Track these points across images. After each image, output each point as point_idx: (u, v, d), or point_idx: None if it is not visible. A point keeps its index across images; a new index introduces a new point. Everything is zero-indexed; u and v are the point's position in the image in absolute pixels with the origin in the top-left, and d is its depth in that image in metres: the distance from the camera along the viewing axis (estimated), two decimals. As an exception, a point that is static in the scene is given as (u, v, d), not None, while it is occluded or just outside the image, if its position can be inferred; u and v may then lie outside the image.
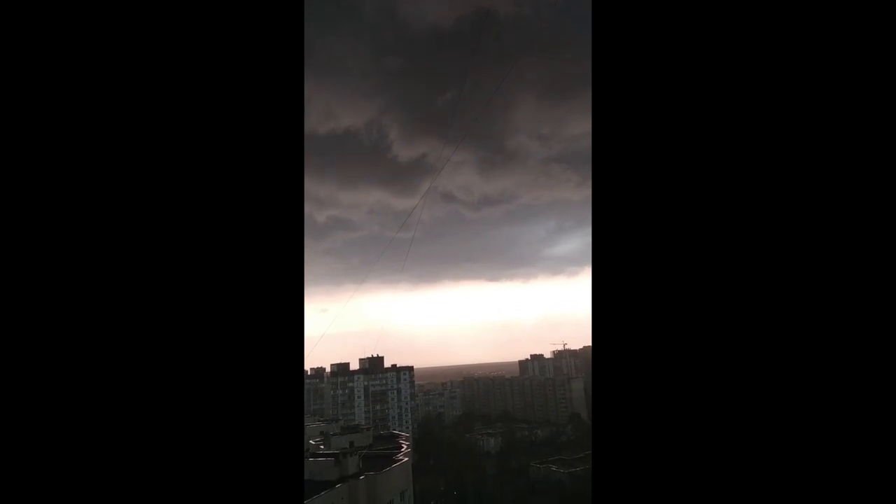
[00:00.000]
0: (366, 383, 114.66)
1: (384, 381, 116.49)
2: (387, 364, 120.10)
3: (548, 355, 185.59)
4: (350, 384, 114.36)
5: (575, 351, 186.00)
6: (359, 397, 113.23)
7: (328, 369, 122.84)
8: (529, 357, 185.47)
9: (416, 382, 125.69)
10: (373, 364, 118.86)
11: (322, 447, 41.84)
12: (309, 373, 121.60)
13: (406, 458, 38.71)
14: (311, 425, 55.43)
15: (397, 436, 53.69)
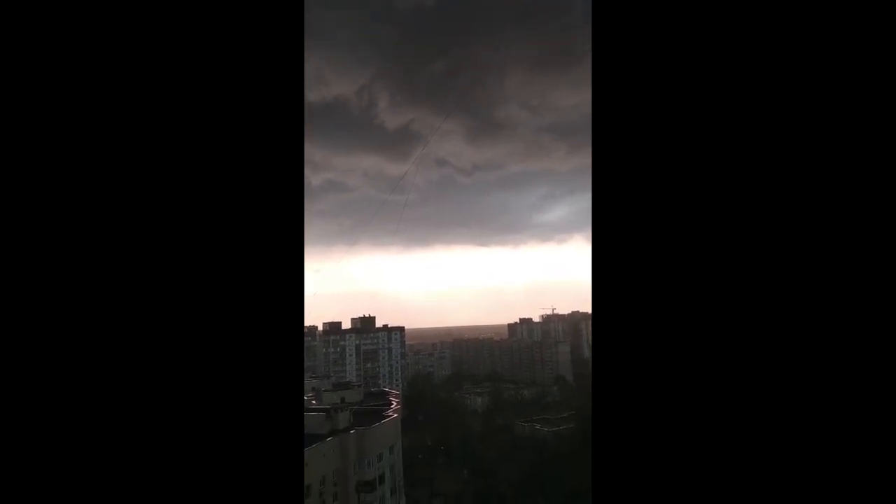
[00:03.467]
0: (357, 342, 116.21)
1: (375, 341, 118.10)
2: (378, 324, 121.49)
3: (537, 319, 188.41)
4: (342, 343, 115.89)
5: (563, 316, 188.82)
6: (350, 355, 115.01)
7: (320, 328, 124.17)
8: (518, 320, 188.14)
9: (406, 342, 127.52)
10: (364, 324, 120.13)
11: (314, 402, 42.84)
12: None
13: (395, 415, 39.82)
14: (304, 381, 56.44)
15: (387, 393, 54.93)
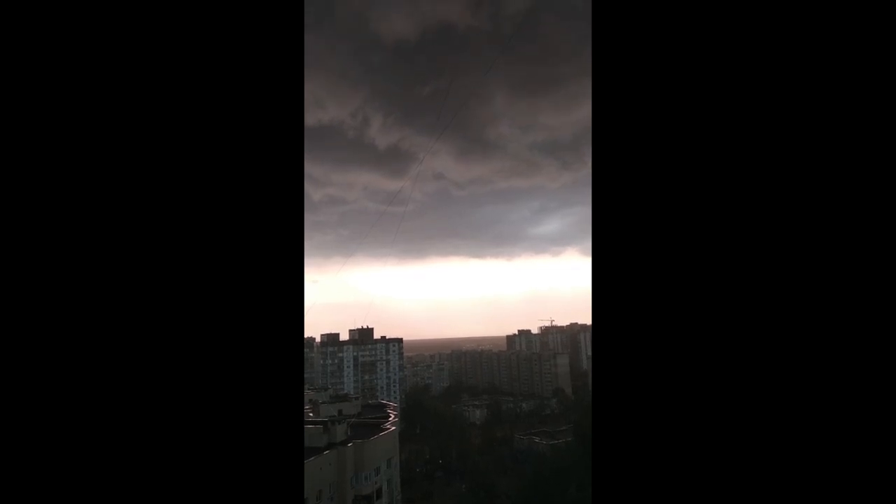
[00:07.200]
0: (355, 354, 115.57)
1: (373, 352, 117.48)
2: (376, 335, 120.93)
3: (535, 331, 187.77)
4: (340, 354, 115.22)
5: (562, 327, 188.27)
6: (348, 367, 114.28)
7: (318, 339, 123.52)
8: (517, 332, 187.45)
9: (404, 354, 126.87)
10: (362, 335, 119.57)
11: (311, 415, 42.44)
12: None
13: (393, 427, 39.49)
14: (301, 393, 55.97)
15: (385, 405, 54.55)
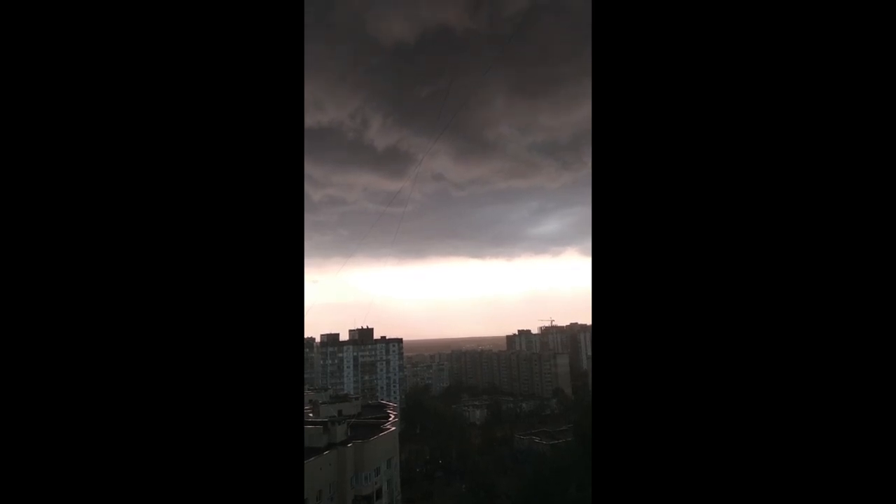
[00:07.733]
0: (355, 354, 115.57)
1: (373, 352, 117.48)
2: (376, 336, 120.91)
3: (535, 331, 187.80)
4: (340, 354, 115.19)
5: (562, 327, 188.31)
6: (348, 367, 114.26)
7: (318, 339, 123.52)
8: (517, 332, 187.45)
9: (404, 354, 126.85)
10: (362, 335, 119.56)
11: (311, 415, 42.45)
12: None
13: (393, 427, 39.51)
14: (301, 394, 56.00)
15: (385, 405, 54.57)
